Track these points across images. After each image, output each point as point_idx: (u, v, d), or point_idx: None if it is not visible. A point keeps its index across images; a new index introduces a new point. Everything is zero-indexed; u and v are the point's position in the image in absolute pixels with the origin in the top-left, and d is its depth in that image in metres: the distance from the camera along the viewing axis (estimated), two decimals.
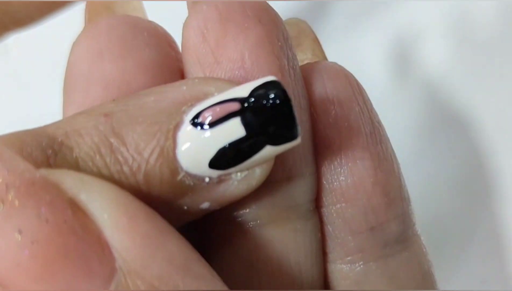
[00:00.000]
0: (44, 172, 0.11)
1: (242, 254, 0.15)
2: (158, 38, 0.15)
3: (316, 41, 0.18)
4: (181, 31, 0.15)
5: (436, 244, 0.30)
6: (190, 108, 0.13)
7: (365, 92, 0.16)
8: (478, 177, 0.31)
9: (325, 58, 0.18)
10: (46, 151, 0.12)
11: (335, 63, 0.16)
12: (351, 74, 0.16)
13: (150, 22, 0.16)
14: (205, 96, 0.13)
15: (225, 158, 0.13)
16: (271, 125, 0.12)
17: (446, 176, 0.32)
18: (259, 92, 0.13)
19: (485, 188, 0.31)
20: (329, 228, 0.16)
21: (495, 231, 0.31)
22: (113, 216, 0.11)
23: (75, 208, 0.11)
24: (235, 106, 0.12)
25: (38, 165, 0.11)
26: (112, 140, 0.12)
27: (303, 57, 0.18)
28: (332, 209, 0.15)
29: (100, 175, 0.12)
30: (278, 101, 0.12)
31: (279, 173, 0.15)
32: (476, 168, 0.31)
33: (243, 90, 0.13)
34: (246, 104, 0.12)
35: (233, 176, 0.13)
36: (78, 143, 0.12)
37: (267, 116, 0.12)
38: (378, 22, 0.33)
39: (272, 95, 0.12)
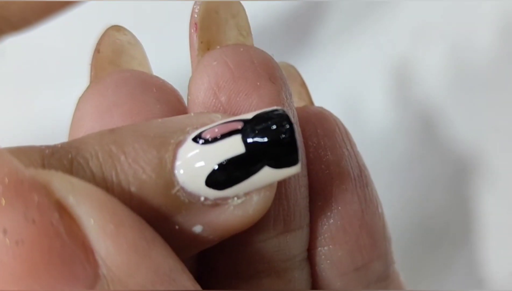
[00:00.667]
0: (33, 171, 0.11)
1: None
2: (167, 93, 0.15)
3: (303, 85, 0.19)
4: (182, 85, 0.15)
5: (433, 243, 0.31)
6: (194, 130, 0.13)
7: (351, 137, 0.17)
8: (472, 178, 0.32)
9: (311, 102, 0.19)
10: (43, 151, 0.12)
11: (323, 108, 0.17)
12: (338, 119, 0.17)
13: (158, 77, 0.16)
14: (211, 122, 0.13)
15: (223, 176, 0.12)
16: (272, 146, 0.12)
17: (441, 177, 0.32)
18: (263, 115, 0.13)
19: (479, 189, 0.32)
20: (317, 270, 0.16)
21: (489, 231, 0.32)
22: (99, 222, 0.11)
23: (62, 211, 0.11)
24: (238, 125, 0.13)
25: (31, 165, 0.11)
26: (112, 147, 0.12)
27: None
28: (321, 252, 0.16)
29: (93, 180, 0.12)
30: (281, 124, 0.12)
31: (280, 228, 0.15)
32: (469, 170, 0.32)
33: (249, 115, 0.13)
34: (249, 123, 0.13)
35: (229, 201, 0.13)
36: (77, 148, 0.12)
37: (268, 136, 0.12)
38: (372, 33, 0.33)
39: (275, 118, 0.13)
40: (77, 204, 0.11)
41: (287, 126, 0.12)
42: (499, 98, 0.33)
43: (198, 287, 0.12)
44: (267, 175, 0.13)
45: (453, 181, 0.32)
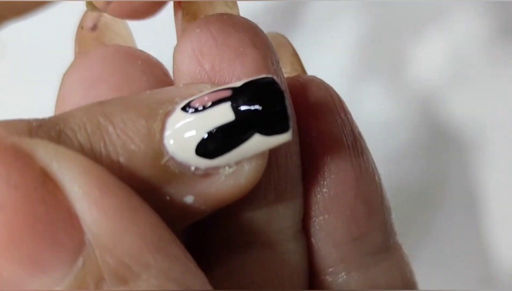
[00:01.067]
0: (17, 139, 0.11)
1: (234, 277, 0.15)
2: (153, 66, 0.15)
3: (295, 54, 0.18)
4: (169, 61, 0.15)
5: (431, 242, 0.31)
6: (183, 100, 0.13)
7: (346, 105, 0.16)
8: (471, 174, 0.32)
9: (304, 71, 0.19)
10: (31, 123, 0.12)
11: (315, 77, 0.17)
12: (331, 87, 0.16)
13: (143, 51, 0.16)
14: (200, 92, 0.13)
15: (213, 144, 0.12)
16: (261, 113, 0.12)
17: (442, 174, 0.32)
18: (252, 82, 0.13)
19: (477, 185, 0.32)
20: (312, 241, 0.16)
21: (491, 225, 0.31)
22: (84, 188, 0.10)
23: (47, 178, 0.10)
24: (227, 92, 0.12)
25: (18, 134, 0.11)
26: (100, 119, 0.12)
27: (283, 71, 0.18)
28: (315, 222, 0.16)
29: (81, 151, 0.12)
30: (270, 91, 0.12)
31: (271, 197, 0.15)
32: (467, 166, 0.32)
33: (237, 83, 0.13)
34: (238, 91, 0.12)
35: (220, 170, 0.13)
36: (65, 120, 0.12)
37: (258, 103, 0.12)
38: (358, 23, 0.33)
39: (265, 85, 0.12)
40: (61, 170, 0.10)
41: (277, 93, 0.12)
42: (496, 77, 0.32)
43: (189, 257, 0.12)
44: (258, 143, 0.12)
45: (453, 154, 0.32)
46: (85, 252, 0.10)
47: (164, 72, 0.16)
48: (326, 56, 0.32)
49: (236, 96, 0.12)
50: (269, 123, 0.12)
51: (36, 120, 0.12)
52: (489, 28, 0.33)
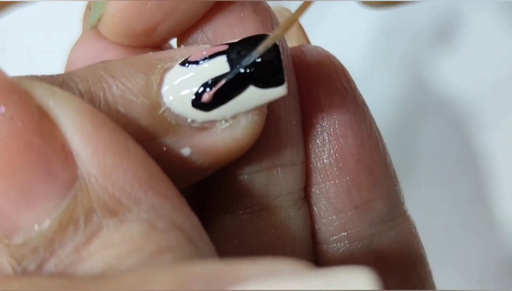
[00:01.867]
0: (15, 78, 0.11)
1: (234, 241, 0.15)
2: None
3: (300, 28, 0.18)
4: None
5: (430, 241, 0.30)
6: (182, 58, 0.13)
7: (349, 73, 0.16)
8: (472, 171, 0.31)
9: (309, 43, 0.18)
10: (34, 78, 0.12)
11: (318, 47, 0.16)
12: (334, 56, 0.16)
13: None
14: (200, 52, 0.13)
15: None
16: (256, 64, 0.12)
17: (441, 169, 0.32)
18: (248, 38, 0.13)
19: (478, 180, 0.31)
20: (314, 209, 0.16)
21: (491, 225, 0.31)
22: (78, 123, 0.11)
23: (43, 114, 0.11)
24: (223, 47, 0.13)
25: None
26: (101, 72, 0.12)
27: (289, 44, 0.18)
28: (317, 189, 0.15)
29: (81, 98, 0.12)
30: (266, 44, 0.12)
31: (270, 161, 0.15)
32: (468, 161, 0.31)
33: (234, 40, 0.13)
34: (234, 45, 0.13)
35: (217, 124, 0.13)
36: (68, 74, 0.12)
37: (253, 54, 0.12)
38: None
39: (260, 40, 0.12)
40: (57, 107, 0.11)
41: (272, 46, 0.12)
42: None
43: (182, 199, 0.12)
44: (253, 95, 0.12)
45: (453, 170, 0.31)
46: (77, 185, 0.10)
47: (168, 45, 0.16)
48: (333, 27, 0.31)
49: (232, 49, 0.12)
50: (264, 75, 0.12)
51: (40, 76, 0.12)
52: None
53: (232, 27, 0.14)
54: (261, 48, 0.12)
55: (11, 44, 0.30)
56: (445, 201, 0.31)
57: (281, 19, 0.16)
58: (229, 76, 0.12)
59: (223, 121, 0.13)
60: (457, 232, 0.31)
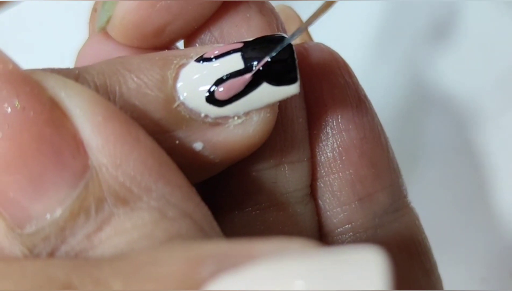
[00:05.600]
0: (28, 70, 0.11)
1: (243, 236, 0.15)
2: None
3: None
4: None
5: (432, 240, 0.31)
6: (197, 55, 0.13)
7: (351, 69, 0.16)
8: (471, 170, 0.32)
9: (312, 40, 0.19)
10: (49, 70, 0.12)
11: (320, 43, 0.17)
12: (336, 52, 0.17)
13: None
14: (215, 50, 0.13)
15: None
16: (270, 62, 0.13)
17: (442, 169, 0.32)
18: (263, 37, 0.13)
19: (480, 177, 0.31)
20: (319, 203, 0.16)
21: (493, 224, 0.31)
22: (89, 114, 0.11)
23: (54, 105, 0.11)
24: (238, 44, 0.13)
25: None
26: (118, 66, 0.13)
27: (292, 42, 0.18)
28: (321, 183, 0.16)
29: (96, 91, 0.12)
30: (280, 44, 0.13)
31: (277, 158, 0.15)
32: (468, 161, 0.32)
33: (250, 39, 0.13)
34: (249, 43, 0.13)
35: (230, 120, 0.13)
36: (85, 67, 0.13)
37: (267, 53, 0.13)
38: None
39: (275, 39, 0.13)
40: (68, 98, 0.11)
41: (286, 44, 0.13)
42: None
43: (193, 189, 0.12)
44: (266, 92, 0.13)
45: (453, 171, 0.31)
46: (88, 175, 0.11)
47: (175, 46, 0.16)
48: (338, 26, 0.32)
49: (247, 47, 0.13)
50: (277, 73, 0.13)
51: (56, 69, 0.13)
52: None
53: (239, 28, 0.14)
54: (291, 38, 0.13)
55: (11, 44, 0.30)
56: (447, 198, 0.32)
57: (283, 16, 0.17)
58: (245, 73, 0.13)
59: (235, 118, 0.13)
60: (459, 230, 0.31)
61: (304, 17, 0.19)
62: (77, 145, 0.11)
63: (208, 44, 0.15)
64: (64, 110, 0.11)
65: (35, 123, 0.10)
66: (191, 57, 0.13)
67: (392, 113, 0.32)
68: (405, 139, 0.32)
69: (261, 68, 0.13)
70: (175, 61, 0.13)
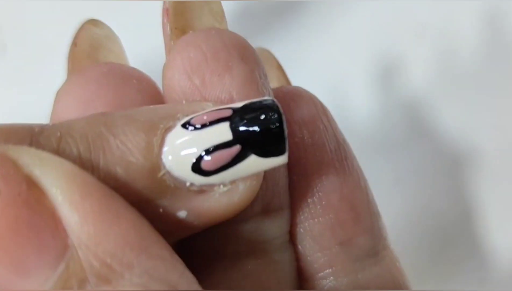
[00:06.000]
0: (2, 147, 0.11)
1: (222, 287, 0.15)
2: (147, 85, 0.15)
3: (280, 68, 0.19)
4: (159, 75, 0.15)
5: (430, 244, 0.31)
6: (184, 117, 0.13)
7: (330, 113, 0.17)
8: (466, 172, 0.32)
9: (289, 83, 0.19)
10: (33, 129, 0.12)
11: (299, 87, 0.17)
12: (315, 96, 0.17)
13: (137, 69, 0.16)
14: (202, 110, 0.13)
15: None
16: (259, 135, 0.12)
17: (431, 170, 0.32)
18: (252, 104, 0.13)
19: (474, 182, 0.32)
20: (299, 248, 0.16)
21: (492, 224, 0.31)
22: (65, 193, 0.11)
23: (31, 184, 0.11)
24: (227, 112, 0.13)
25: (20, 143, 0.12)
26: (102, 128, 0.12)
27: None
28: (301, 227, 0.16)
29: (79, 159, 0.12)
30: (270, 114, 0.12)
31: (258, 208, 0.15)
32: (461, 163, 0.32)
33: (239, 104, 0.13)
34: (238, 112, 0.13)
35: (215, 188, 0.13)
36: (67, 127, 0.12)
37: (257, 124, 0.12)
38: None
39: (265, 108, 0.13)
40: (44, 176, 0.11)
41: (276, 116, 0.13)
42: (487, 91, 0.32)
43: (176, 257, 0.12)
44: (254, 164, 0.13)
45: (445, 174, 0.32)
46: (69, 254, 0.11)
47: (157, 90, 0.16)
48: (313, 66, 0.32)
49: (236, 116, 0.13)
50: (266, 145, 0.12)
51: (38, 125, 0.12)
52: (487, 38, 0.33)
53: (221, 77, 0.14)
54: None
55: (11, 44, 0.29)
56: (445, 200, 0.32)
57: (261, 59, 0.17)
58: (232, 148, 0.12)
59: (221, 186, 0.13)
60: (458, 231, 0.31)
61: (281, 59, 0.19)
62: (56, 224, 0.11)
63: (194, 101, 0.14)
64: (41, 188, 0.11)
65: (12, 207, 0.10)
66: (178, 119, 0.13)
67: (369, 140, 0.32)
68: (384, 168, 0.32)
69: (249, 140, 0.12)
70: (161, 125, 0.13)
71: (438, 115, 0.32)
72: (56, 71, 0.18)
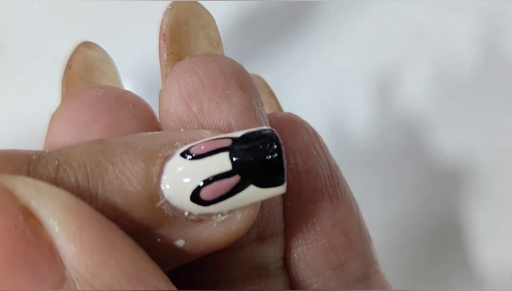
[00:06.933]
0: None
1: None
2: (143, 109, 0.15)
3: (271, 95, 0.19)
4: (154, 99, 0.15)
5: (430, 244, 0.31)
6: (183, 145, 0.13)
7: (321, 138, 0.17)
8: (461, 183, 0.32)
9: (281, 110, 0.19)
10: (30, 157, 0.12)
11: (291, 113, 0.17)
12: (307, 122, 0.17)
13: (132, 93, 0.16)
14: (201, 138, 0.13)
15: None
16: (258, 165, 0.12)
17: (429, 183, 0.32)
18: (252, 134, 0.13)
19: (469, 194, 0.32)
20: (293, 272, 0.16)
21: (492, 225, 0.32)
22: (62, 224, 0.11)
23: (28, 215, 0.11)
24: (226, 142, 0.13)
25: (16, 171, 0.11)
26: (100, 157, 0.12)
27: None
28: (294, 253, 0.16)
29: (77, 188, 0.12)
30: (269, 144, 0.13)
31: (253, 235, 0.15)
32: (457, 175, 0.32)
33: (238, 133, 0.13)
34: (237, 142, 0.13)
35: (213, 217, 0.13)
36: (65, 155, 0.12)
37: (256, 155, 0.12)
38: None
39: (264, 138, 0.13)
40: (40, 207, 0.11)
41: (275, 146, 0.13)
42: (483, 105, 0.33)
43: (173, 287, 0.12)
44: (252, 194, 0.13)
45: (441, 186, 0.32)
46: (66, 286, 0.11)
47: (153, 115, 0.16)
48: (304, 89, 0.32)
49: (235, 147, 0.13)
50: (265, 176, 0.13)
51: (36, 153, 0.12)
52: (483, 55, 0.34)
53: (219, 105, 0.14)
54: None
55: (11, 44, 0.29)
56: (448, 200, 0.32)
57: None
58: (231, 178, 0.12)
59: (219, 215, 0.13)
60: (458, 231, 0.32)
61: (274, 86, 0.19)
62: (53, 256, 0.11)
63: (192, 129, 0.14)
64: (38, 219, 0.11)
65: (9, 239, 0.10)
66: (176, 147, 0.13)
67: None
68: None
69: (248, 171, 0.12)
70: (160, 154, 0.13)
71: (431, 132, 0.33)
72: (55, 73, 0.18)
